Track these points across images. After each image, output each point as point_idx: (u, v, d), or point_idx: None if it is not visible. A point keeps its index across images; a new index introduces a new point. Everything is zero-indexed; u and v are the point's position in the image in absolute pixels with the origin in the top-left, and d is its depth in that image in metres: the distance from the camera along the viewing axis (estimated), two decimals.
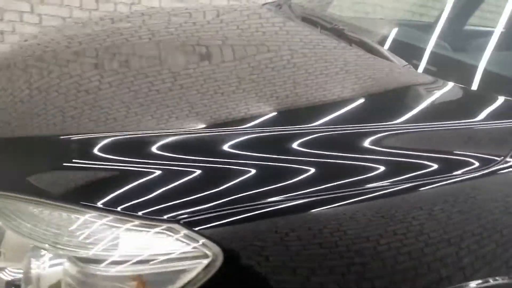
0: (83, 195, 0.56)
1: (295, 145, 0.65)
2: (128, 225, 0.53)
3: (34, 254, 0.55)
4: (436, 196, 0.63)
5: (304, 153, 0.64)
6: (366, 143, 0.67)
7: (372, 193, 0.59)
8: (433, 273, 0.61)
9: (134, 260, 0.53)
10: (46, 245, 0.54)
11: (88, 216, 0.54)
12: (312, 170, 0.61)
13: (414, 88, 0.91)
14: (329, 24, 1.18)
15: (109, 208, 0.53)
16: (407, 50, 1.09)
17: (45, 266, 0.55)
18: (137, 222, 0.53)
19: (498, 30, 1.06)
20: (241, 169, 0.60)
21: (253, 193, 0.56)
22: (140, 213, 0.53)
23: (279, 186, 0.58)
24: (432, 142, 0.71)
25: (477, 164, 0.67)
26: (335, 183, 0.59)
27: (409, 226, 0.60)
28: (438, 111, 0.81)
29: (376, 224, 0.58)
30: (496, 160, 0.68)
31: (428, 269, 0.61)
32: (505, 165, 0.68)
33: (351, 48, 1.05)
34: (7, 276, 0.58)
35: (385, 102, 0.84)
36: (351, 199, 0.58)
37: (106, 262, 0.53)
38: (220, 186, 0.57)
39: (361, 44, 1.06)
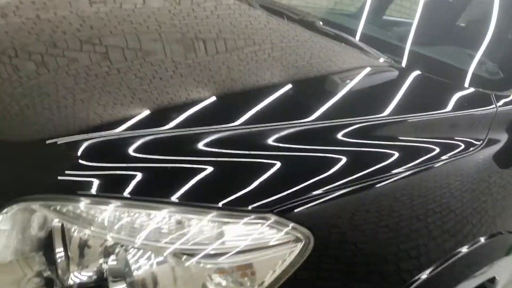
0: (189, 194, 0.59)
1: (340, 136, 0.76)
2: (229, 219, 0.58)
3: (120, 253, 0.59)
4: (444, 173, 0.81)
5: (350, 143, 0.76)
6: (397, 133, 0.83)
7: (401, 175, 0.73)
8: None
9: (237, 251, 0.58)
10: (138, 243, 0.57)
11: (191, 213, 0.58)
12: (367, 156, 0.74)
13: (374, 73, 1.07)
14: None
15: (211, 204, 0.58)
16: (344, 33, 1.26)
17: (142, 264, 0.58)
18: (236, 214, 0.58)
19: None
20: (314, 159, 0.70)
21: (328, 178, 0.66)
22: (238, 207, 0.59)
23: (346, 171, 0.68)
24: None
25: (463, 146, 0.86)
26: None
27: (427, 201, 0.76)
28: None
29: (411, 199, 0.74)
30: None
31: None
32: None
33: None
34: (77, 279, 0.60)
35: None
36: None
37: (211, 254, 0.57)
38: (301, 176, 0.65)
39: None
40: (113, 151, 0.65)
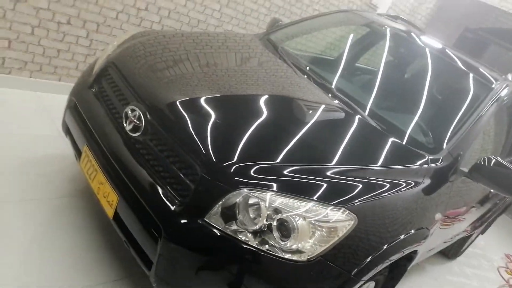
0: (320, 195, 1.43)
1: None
2: (324, 206, 1.41)
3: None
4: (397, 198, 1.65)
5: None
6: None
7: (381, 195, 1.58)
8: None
9: (329, 220, 1.39)
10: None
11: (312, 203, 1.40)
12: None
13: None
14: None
15: (310, 198, 1.40)
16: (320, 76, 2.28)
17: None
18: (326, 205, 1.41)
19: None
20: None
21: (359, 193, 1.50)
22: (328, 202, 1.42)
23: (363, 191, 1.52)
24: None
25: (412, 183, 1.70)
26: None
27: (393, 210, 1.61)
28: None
29: (382, 208, 1.54)
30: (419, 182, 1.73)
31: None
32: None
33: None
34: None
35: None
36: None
37: (318, 219, 1.38)
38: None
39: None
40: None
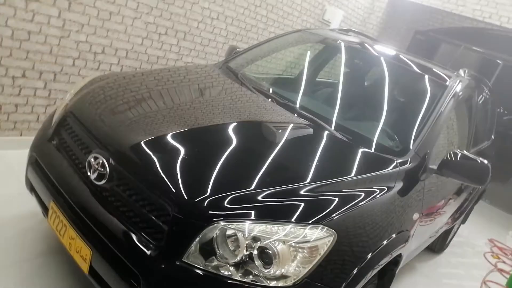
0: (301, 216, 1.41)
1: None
2: (302, 227, 1.39)
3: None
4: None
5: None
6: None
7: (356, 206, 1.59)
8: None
9: (308, 240, 1.38)
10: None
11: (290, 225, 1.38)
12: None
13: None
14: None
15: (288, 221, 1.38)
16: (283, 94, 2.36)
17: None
18: (304, 225, 1.39)
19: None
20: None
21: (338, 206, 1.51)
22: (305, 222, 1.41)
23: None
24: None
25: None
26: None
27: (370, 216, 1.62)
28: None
29: (361, 216, 1.54)
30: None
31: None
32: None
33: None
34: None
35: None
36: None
37: (297, 241, 1.37)
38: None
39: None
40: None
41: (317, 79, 3.26)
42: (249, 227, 1.33)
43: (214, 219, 1.33)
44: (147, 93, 1.98)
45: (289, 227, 1.36)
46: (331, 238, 1.41)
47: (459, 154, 2.06)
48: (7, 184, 2.53)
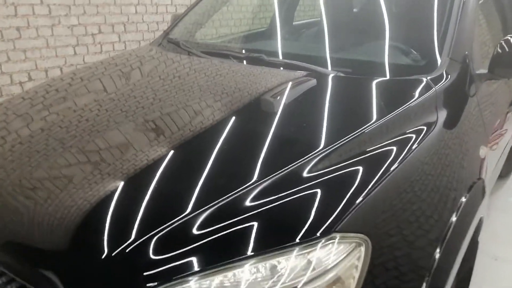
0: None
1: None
2: (309, 248, 0.75)
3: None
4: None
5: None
6: None
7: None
8: None
9: (325, 270, 0.74)
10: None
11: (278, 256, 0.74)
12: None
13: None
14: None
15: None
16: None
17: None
18: (312, 242, 0.75)
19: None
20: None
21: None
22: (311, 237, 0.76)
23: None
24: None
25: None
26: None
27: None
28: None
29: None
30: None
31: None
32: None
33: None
34: None
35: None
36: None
37: (306, 281, 0.73)
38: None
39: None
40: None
41: (294, 23, 2.56)
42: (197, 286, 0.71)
43: None
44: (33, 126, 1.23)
45: (275, 260, 0.73)
46: (361, 249, 0.77)
47: None
48: None
